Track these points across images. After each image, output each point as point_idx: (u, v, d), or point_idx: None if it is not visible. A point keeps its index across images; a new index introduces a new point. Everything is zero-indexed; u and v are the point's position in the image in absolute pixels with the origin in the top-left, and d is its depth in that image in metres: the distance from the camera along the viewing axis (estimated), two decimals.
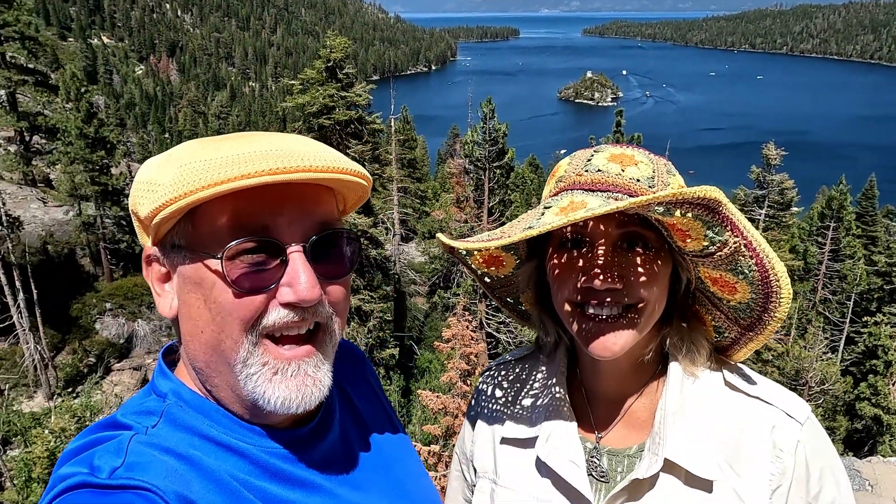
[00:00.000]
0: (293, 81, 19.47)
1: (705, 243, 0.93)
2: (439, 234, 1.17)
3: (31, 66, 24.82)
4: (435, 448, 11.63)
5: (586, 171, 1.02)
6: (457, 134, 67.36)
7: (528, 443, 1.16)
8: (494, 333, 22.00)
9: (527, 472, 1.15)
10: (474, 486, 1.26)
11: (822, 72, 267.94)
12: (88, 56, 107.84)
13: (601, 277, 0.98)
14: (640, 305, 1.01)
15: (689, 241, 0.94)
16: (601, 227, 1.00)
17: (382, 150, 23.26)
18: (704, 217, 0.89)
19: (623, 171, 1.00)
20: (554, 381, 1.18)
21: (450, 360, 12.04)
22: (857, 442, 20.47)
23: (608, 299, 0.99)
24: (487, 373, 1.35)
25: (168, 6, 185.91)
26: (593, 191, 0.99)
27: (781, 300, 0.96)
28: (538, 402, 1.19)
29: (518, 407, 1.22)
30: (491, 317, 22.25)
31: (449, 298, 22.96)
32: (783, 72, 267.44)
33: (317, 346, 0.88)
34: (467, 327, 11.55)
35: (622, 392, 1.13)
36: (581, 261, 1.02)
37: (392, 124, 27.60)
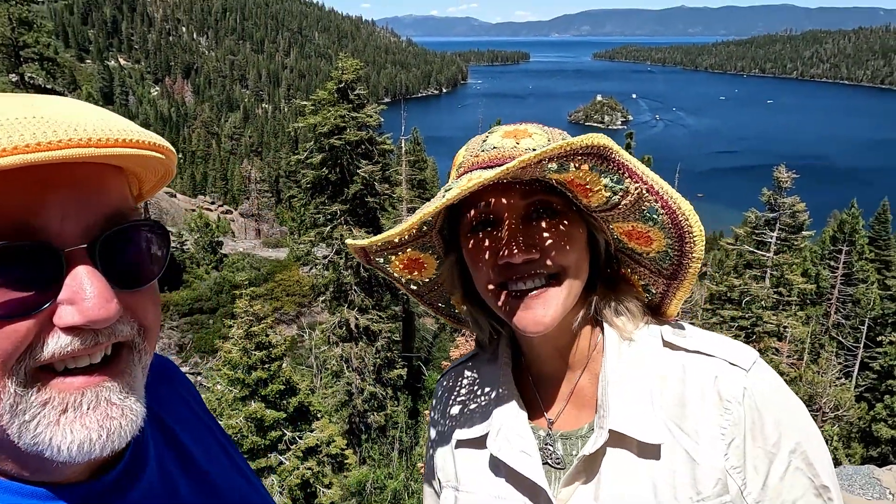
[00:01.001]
0: (305, 102, 19.67)
1: (607, 194, 0.92)
2: (348, 240, 1.12)
3: (49, 86, 25.26)
4: None
5: (482, 150, 1.00)
6: None
7: (481, 441, 1.13)
8: None
9: (484, 471, 1.12)
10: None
11: (833, 96, 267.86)
12: (105, 77, 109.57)
13: (516, 250, 0.96)
14: (562, 273, 0.99)
15: (591, 195, 0.93)
16: (505, 201, 0.98)
17: (392, 171, 23.37)
18: (600, 167, 0.88)
19: (518, 143, 0.97)
20: (499, 374, 1.16)
21: None
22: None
23: (529, 272, 0.98)
24: (439, 381, 1.33)
25: (184, 29, 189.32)
26: (491, 167, 0.95)
27: (695, 238, 0.96)
28: (487, 400, 1.17)
29: (469, 408, 1.20)
30: None
31: None
32: (793, 96, 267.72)
33: (117, 374, 0.67)
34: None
35: (565, 371, 1.10)
36: (493, 240, 1.00)
37: (402, 145, 27.75)
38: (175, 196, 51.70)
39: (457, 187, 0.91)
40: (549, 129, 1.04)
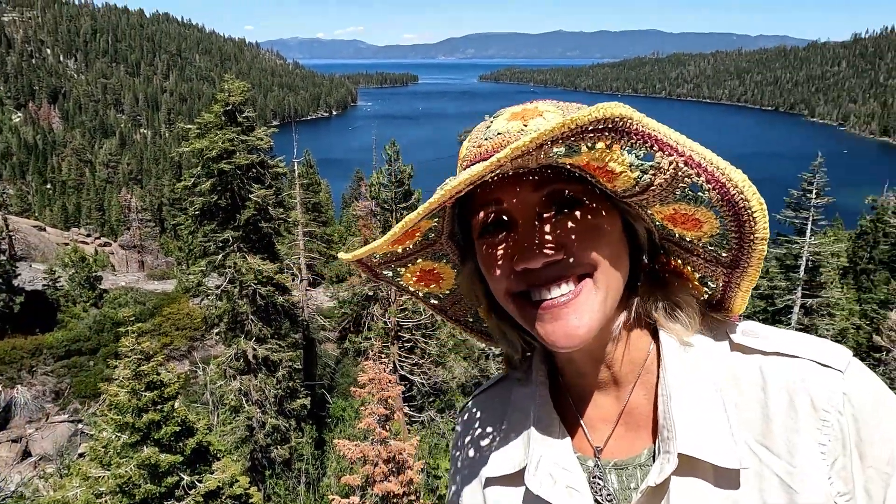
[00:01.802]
0: (190, 126, 18.79)
1: (634, 175, 0.73)
2: (341, 254, 0.96)
3: None
4: (354, 500, 11.15)
5: (486, 139, 0.83)
6: (361, 177, 67.31)
7: (517, 478, 0.94)
8: (408, 376, 21.70)
9: None
10: None
11: (698, 114, 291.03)
12: None
13: (534, 253, 0.80)
14: (594, 273, 0.81)
15: (615, 178, 0.75)
16: (516, 196, 0.81)
17: (286, 195, 22.79)
18: (620, 143, 0.70)
19: (526, 125, 0.80)
20: (535, 397, 0.97)
21: (366, 405, 11.68)
22: None
23: (553, 276, 0.80)
24: (460, 413, 1.14)
25: (49, 51, 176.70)
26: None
27: (755, 215, 0.74)
28: (522, 427, 0.97)
29: (499, 439, 1.00)
30: (404, 359, 21.96)
31: (360, 343, 22.48)
32: (664, 114, 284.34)
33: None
34: (384, 370, 11.28)
35: (612, 387, 0.91)
36: (507, 243, 0.84)
37: (295, 168, 27.17)
38: (44, 230, 47.78)
39: (439, 189, 0.78)
40: (565, 104, 0.86)
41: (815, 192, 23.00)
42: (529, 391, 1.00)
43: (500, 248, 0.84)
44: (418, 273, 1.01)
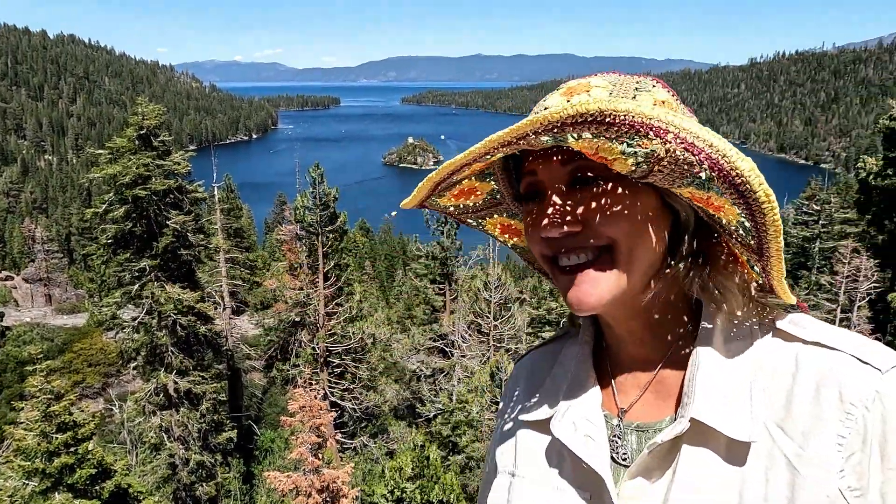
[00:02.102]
0: (101, 151, 17.92)
1: (630, 162, 0.75)
2: (403, 202, 1.01)
3: None
4: None
5: (535, 112, 0.83)
6: (284, 201, 66.10)
7: (546, 424, 0.99)
8: (339, 402, 21.28)
9: (544, 457, 0.99)
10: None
11: None
12: None
13: (555, 223, 0.85)
14: (613, 246, 0.84)
15: (613, 164, 0.77)
16: (547, 169, 0.87)
17: (206, 220, 22.06)
18: (606, 133, 0.71)
19: (569, 100, 0.81)
20: (579, 352, 1.03)
21: (296, 435, 11.34)
22: None
23: (574, 246, 0.86)
24: (518, 361, 1.19)
25: None
26: (537, 131, 0.78)
27: (762, 206, 0.74)
28: (561, 381, 1.02)
29: (540, 389, 1.06)
30: (334, 385, 21.54)
31: (288, 371, 21.89)
32: None
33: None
34: (314, 397, 11.00)
35: (646, 356, 0.94)
36: (538, 211, 0.89)
37: (215, 193, 26.37)
38: None
39: (446, 162, 0.85)
40: (622, 77, 0.86)
41: None
42: (576, 349, 1.05)
43: (533, 215, 0.91)
44: (499, 226, 1.08)
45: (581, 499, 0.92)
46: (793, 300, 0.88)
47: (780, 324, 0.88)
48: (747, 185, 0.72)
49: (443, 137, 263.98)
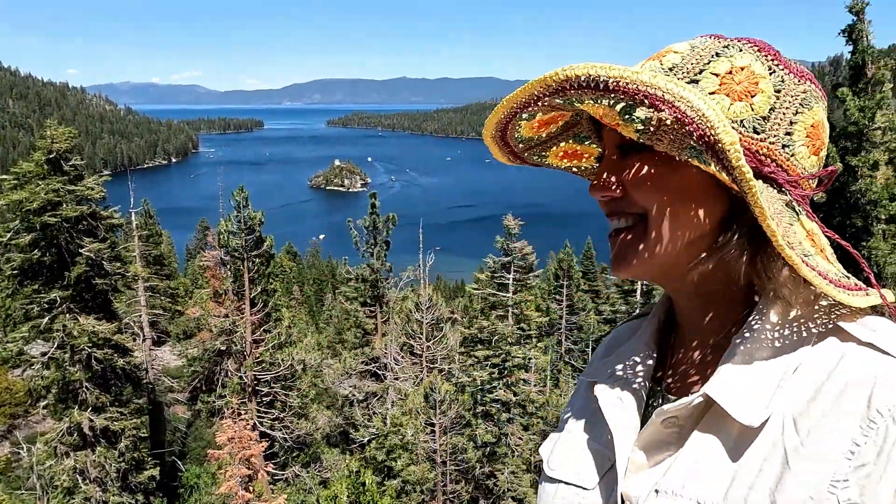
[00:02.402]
0: (6, 176, 16.86)
1: (632, 128, 0.75)
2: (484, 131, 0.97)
3: None
4: None
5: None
6: (207, 227, 63.99)
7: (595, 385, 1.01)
8: (269, 432, 20.60)
9: (589, 416, 1.00)
10: None
11: None
12: None
13: (599, 186, 0.87)
14: (646, 215, 0.83)
15: (621, 129, 0.78)
16: (608, 133, 0.87)
17: (123, 248, 21.07)
18: (604, 99, 0.72)
19: (642, 65, 0.84)
20: (646, 326, 1.02)
21: (224, 468, 10.87)
22: None
23: (614, 210, 0.87)
24: (612, 330, 1.18)
25: None
26: (615, 92, 0.76)
27: (735, 171, 0.69)
28: (629, 348, 1.02)
29: (612, 355, 1.05)
30: (263, 414, 20.86)
31: (214, 402, 21.01)
32: None
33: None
34: (244, 428, 10.58)
35: (704, 337, 0.91)
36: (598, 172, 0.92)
37: (133, 219, 25.25)
38: None
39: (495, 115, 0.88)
40: (710, 41, 0.82)
41: None
42: (651, 319, 1.05)
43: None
44: (562, 153, 1.07)
45: (606, 459, 0.92)
46: (842, 297, 0.76)
47: (843, 322, 0.79)
48: (728, 161, 0.68)
49: (370, 159, 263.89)
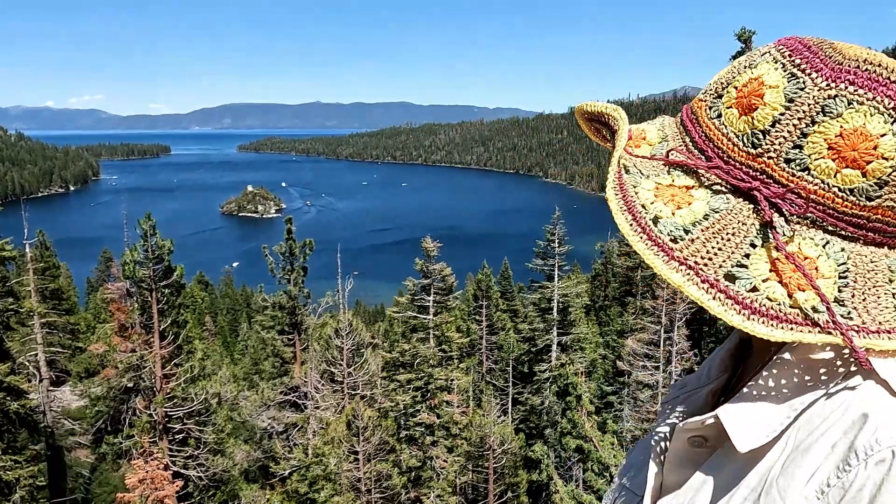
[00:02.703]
0: None
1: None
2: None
3: None
4: None
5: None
6: (110, 258, 60.80)
7: None
8: (183, 471, 19.57)
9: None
10: None
11: (452, 177, 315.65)
12: None
13: None
14: None
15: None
16: None
17: (16, 282, 19.66)
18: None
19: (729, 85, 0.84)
20: (729, 341, 0.98)
21: None
22: (537, 490, 23.14)
23: None
24: None
25: None
26: None
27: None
28: (704, 367, 0.99)
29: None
30: (176, 453, 19.80)
31: (121, 443, 19.78)
32: (422, 178, 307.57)
33: None
34: (156, 468, 10.02)
35: (760, 358, 0.86)
36: None
37: (27, 251, 23.61)
38: None
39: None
40: (759, 49, 0.82)
41: (557, 241, 26.02)
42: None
43: None
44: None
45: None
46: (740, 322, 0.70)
47: (876, 360, 0.70)
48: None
49: (284, 184, 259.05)
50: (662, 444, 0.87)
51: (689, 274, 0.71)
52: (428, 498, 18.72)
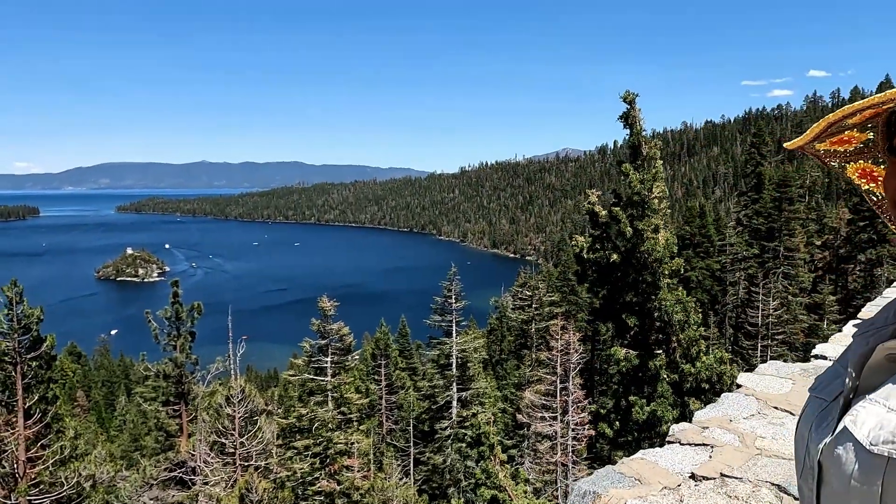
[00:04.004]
0: None
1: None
2: (786, 144, 1.12)
3: None
4: None
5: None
6: None
7: None
8: None
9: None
10: None
11: (347, 236, 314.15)
12: None
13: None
14: None
15: None
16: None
17: None
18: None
19: None
20: None
21: None
22: None
23: None
24: None
25: None
26: None
27: None
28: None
29: None
30: None
31: None
32: (316, 238, 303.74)
33: None
34: None
35: None
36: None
37: None
38: None
39: (827, 116, 0.98)
40: None
41: (454, 297, 26.34)
42: None
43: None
44: (859, 171, 1.15)
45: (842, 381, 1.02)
46: None
47: None
48: None
49: (167, 246, 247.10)
50: (860, 359, 0.98)
51: None
52: None
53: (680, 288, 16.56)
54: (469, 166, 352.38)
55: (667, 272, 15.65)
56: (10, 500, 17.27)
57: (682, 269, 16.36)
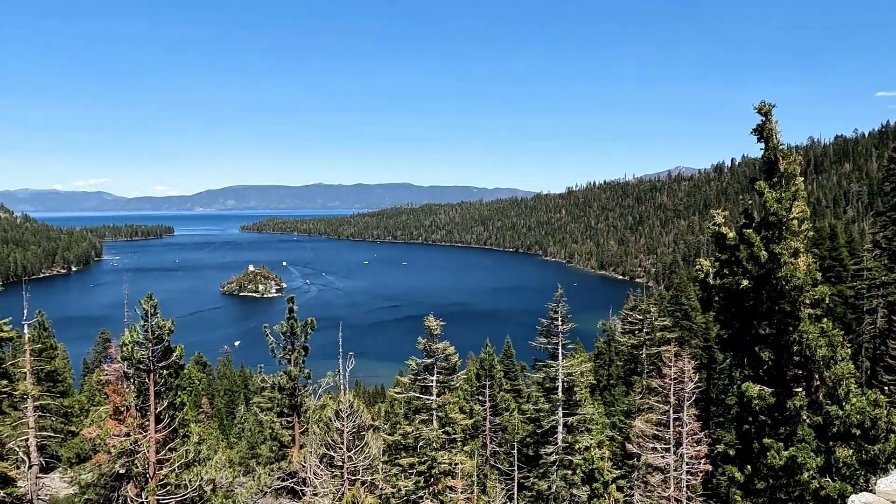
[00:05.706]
0: None
1: None
2: None
3: None
4: None
5: None
6: (108, 338, 60.33)
7: None
8: None
9: None
10: None
11: (453, 256, 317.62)
12: None
13: None
14: None
15: None
16: None
17: (11, 364, 19.30)
18: None
19: None
20: None
21: None
22: None
23: None
24: None
25: None
26: None
27: None
28: None
29: None
30: None
31: None
32: (423, 257, 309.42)
33: None
34: None
35: None
36: None
37: (25, 332, 23.36)
38: None
39: None
40: None
41: (560, 319, 25.74)
42: None
43: None
44: None
45: None
46: None
47: None
48: None
49: (285, 264, 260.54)
50: None
51: None
52: None
53: (825, 319, 14.94)
54: (576, 186, 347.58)
55: (808, 301, 14.23)
56: (142, 497, 18.58)
57: (827, 299, 14.68)
